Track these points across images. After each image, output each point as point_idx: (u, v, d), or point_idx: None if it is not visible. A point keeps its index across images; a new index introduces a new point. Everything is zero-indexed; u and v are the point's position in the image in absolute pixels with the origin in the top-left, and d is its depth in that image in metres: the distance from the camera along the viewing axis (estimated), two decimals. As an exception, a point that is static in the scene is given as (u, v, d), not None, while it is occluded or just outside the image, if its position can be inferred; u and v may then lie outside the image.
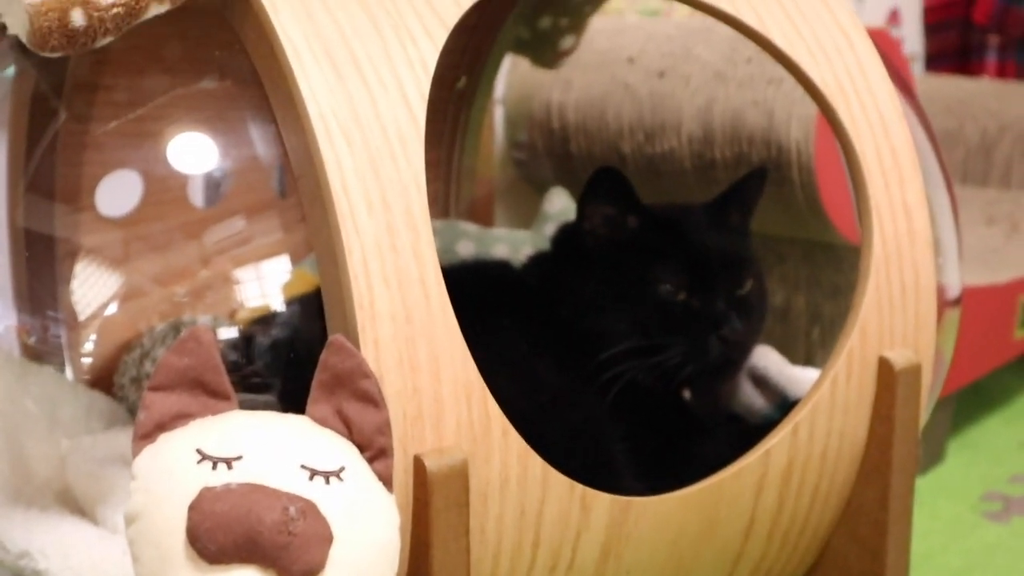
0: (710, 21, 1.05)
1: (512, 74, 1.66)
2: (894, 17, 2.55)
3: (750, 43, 1.03)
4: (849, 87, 1.02)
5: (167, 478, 0.73)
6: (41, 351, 1.15)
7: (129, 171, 1.21)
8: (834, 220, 1.44)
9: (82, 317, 1.17)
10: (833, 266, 1.53)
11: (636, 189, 1.12)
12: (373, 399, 0.76)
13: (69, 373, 1.18)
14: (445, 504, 0.79)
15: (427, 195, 0.82)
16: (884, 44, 1.08)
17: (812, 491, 1.01)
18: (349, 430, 0.76)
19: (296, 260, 1.13)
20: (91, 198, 1.19)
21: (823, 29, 1.03)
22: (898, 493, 1.02)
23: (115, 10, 0.78)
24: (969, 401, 1.96)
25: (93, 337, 1.18)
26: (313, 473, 0.73)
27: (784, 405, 1.18)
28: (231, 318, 1.14)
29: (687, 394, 1.15)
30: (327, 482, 0.73)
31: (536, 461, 0.85)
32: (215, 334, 0.78)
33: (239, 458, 0.72)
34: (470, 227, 1.45)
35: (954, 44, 2.79)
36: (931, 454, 1.76)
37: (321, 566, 0.70)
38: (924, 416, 1.07)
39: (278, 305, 1.11)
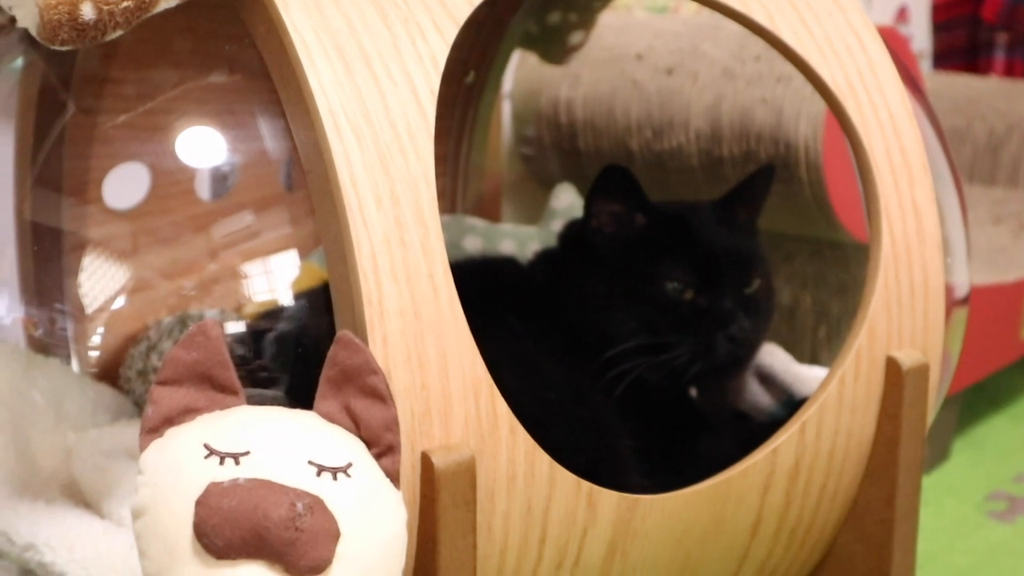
0: (718, 18, 1.05)
1: (520, 69, 1.66)
2: (902, 15, 2.55)
3: (758, 40, 1.03)
4: (859, 86, 1.02)
5: (174, 473, 0.72)
6: (47, 343, 1.15)
7: (137, 164, 1.21)
8: (842, 218, 1.44)
9: (89, 310, 1.17)
10: (840, 264, 1.53)
11: (643, 187, 1.11)
12: (381, 395, 0.76)
13: (75, 366, 1.18)
14: (452, 501, 0.79)
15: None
16: (893, 42, 1.08)
17: (819, 490, 1.01)
18: (357, 426, 0.76)
19: (304, 254, 1.13)
20: (98, 191, 1.19)
21: (834, 28, 1.02)
22: (904, 492, 1.02)
23: (125, 4, 0.78)
24: (975, 400, 1.96)
25: (100, 330, 1.18)
26: (320, 469, 0.73)
27: (790, 403, 1.18)
28: (238, 312, 1.14)
29: (694, 392, 1.15)
30: (334, 478, 0.73)
31: (543, 458, 0.85)
32: (223, 328, 0.78)
33: (246, 453, 0.72)
34: (477, 222, 1.45)
35: (962, 42, 2.79)
36: (936, 453, 1.76)
37: (328, 562, 0.70)
38: (931, 416, 1.06)
39: (286, 299, 1.11)
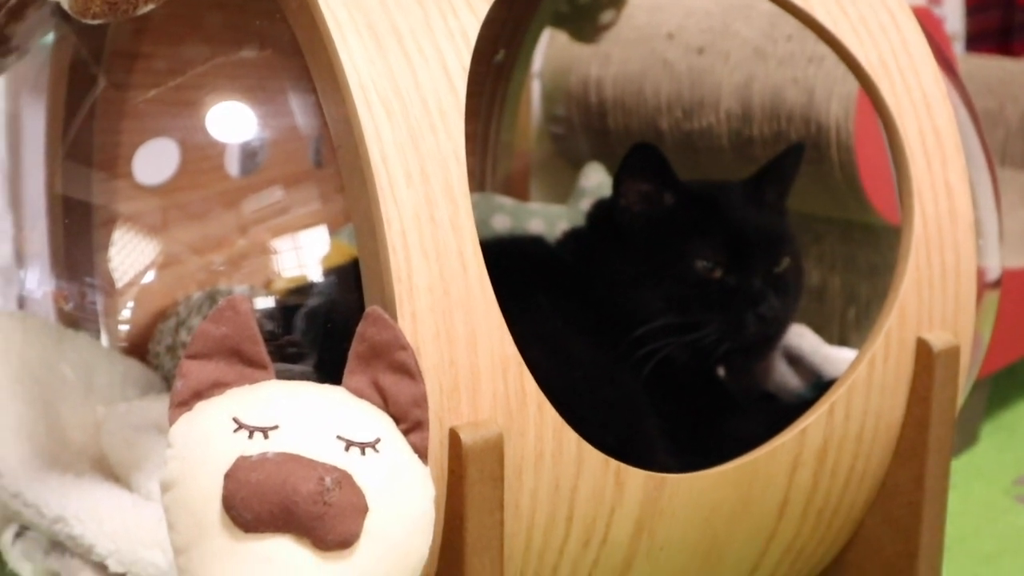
0: (751, -3, 1.05)
1: (550, 48, 1.66)
2: (935, -4, 2.53)
3: (790, 20, 1.02)
4: (893, 66, 1.01)
5: (203, 446, 0.73)
6: (77, 317, 1.16)
7: (166, 139, 1.21)
8: (872, 200, 1.43)
9: (119, 284, 1.18)
10: (870, 246, 1.52)
11: (673, 165, 1.11)
12: (410, 371, 0.76)
13: (104, 340, 1.19)
14: (480, 477, 0.79)
15: (465, 168, 0.81)
16: (926, 23, 1.07)
17: (847, 471, 1.00)
18: (385, 402, 0.76)
19: (333, 230, 1.13)
20: (128, 165, 1.20)
21: (868, 7, 1.02)
22: (933, 475, 1.01)
23: (157, -23, 0.78)
24: (1005, 384, 1.95)
25: (129, 305, 1.18)
26: (349, 444, 0.73)
27: (818, 385, 1.18)
28: (267, 288, 1.14)
29: (722, 372, 1.15)
30: (363, 453, 0.73)
31: (571, 436, 0.85)
32: (252, 303, 0.78)
33: (275, 428, 0.72)
34: (506, 201, 1.45)
35: (995, 24, 2.77)
36: (965, 437, 1.75)
37: (356, 537, 0.70)
38: (961, 398, 1.06)
39: (315, 275, 1.11)
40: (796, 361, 1.23)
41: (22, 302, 1.22)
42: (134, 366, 1.16)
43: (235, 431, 0.72)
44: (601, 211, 1.19)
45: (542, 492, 0.84)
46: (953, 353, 1.00)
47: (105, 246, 1.17)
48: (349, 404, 0.76)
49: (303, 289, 1.09)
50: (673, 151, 1.51)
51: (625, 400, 1.03)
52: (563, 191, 1.55)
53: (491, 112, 1.48)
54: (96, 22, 0.78)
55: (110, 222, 1.18)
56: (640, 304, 1.09)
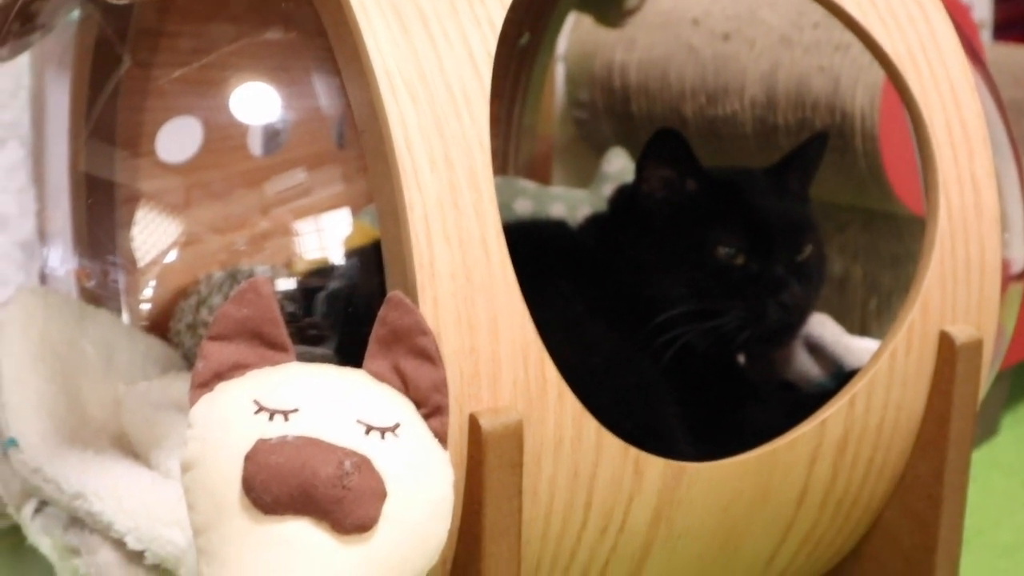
0: (778, -16, 1.04)
1: (575, 32, 1.65)
2: (963, -16, 2.51)
3: (817, 7, 1.02)
4: (921, 57, 1.00)
5: (223, 428, 0.73)
6: (99, 295, 1.16)
7: (190, 118, 1.22)
8: (896, 189, 1.43)
9: (140, 263, 1.18)
10: (893, 236, 1.51)
11: (696, 152, 1.11)
12: (430, 356, 0.76)
13: (126, 317, 1.19)
14: (499, 463, 0.79)
15: (489, 153, 0.81)
16: (954, 11, 1.06)
17: (867, 463, 1.00)
18: (406, 386, 0.76)
19: (355, 211, 1.13)
20: (151, 144, 1.20)
21: (896, -4, 1.01)
22: (954, 468, 1.01)
23: (184, -42, 0.78)
24: (1023, 376, 1.95)
25: (151, 283, 1.18)
26: (369, 428, 0.73)
27: (839, 375, 1.18)
28: (289, 268, 1.14)
29: (742, 359, 1.15)
30: (382, 437, 0.73)
31: (591, 423, 0.85)
32: (274, 285, 0.78)
33: (295, 410, 0.73)
34: (528, 184, 1.45)
35: None
36: (985, 428, 1.75)
37: (374, 521, 0.71)
38: (983, 391, 1.06)
39: (336, 257, 1.11)
40: (817, 350, 1.23)
41: (44, 278, 1.23)
42: (155, 344, 1.17)
43: (255, 413, 0.73)
44: (623, 196, 1.18)
45: (561, 479, 0.84)
46: (976, 347, 0.99)
47: (127, 224, 1.18)
48: (369, 388, 0.76)
49: (324, 271, 1.09)
50: (697, 138, 1.51)
51: (645, 387, 1.03)
52: (586, 175, 1.55)
53: (515, 95, 1.48)
54: (122, 2, 0.78)
55: (133, 200, 1.18)
56: (661, 290, 1.08)
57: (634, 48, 1.59)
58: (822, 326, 1.24)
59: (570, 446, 0.84)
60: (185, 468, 0.73)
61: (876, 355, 0.98)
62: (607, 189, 1.39)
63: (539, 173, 1.54)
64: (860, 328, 1.49)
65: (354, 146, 1.22)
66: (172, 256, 1.19)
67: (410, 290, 0.78)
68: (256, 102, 1.15)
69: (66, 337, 1.07)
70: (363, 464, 0.71)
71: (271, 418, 0.72)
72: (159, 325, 1.19)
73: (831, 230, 1.54)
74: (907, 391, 0.99)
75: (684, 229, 1.11)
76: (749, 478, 0.94)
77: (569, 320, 1.02)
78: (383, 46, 0.80)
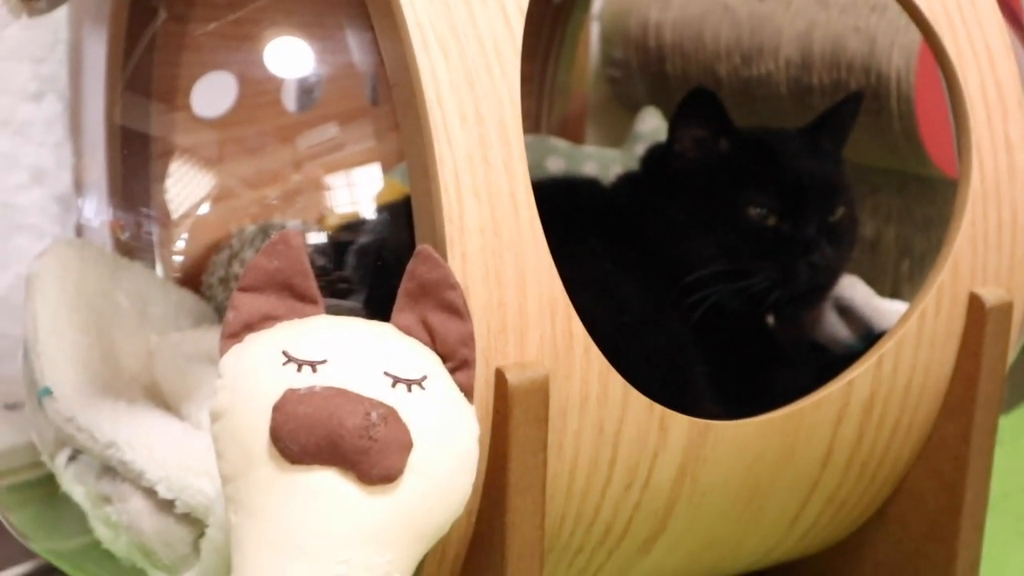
0: (815, -57, 1.03)
1: (610, -10, 1.65)
2: (1005, -55, 2.49)
3: (854, -32, 1.01)
4: (957, 17, 1.00)
5: (253, 378, 0.74)
6: (133, 247, 1.17)
7: (225, 73, 1.22)
8: (931, 152, 1.42)
9: (174, 216, 1.19)
10: (927, 199, 1.51)
11: (730, 112, 1.10)
12: (458, 310, 0.76)
13: (159, 270, 1.20)
14: (525, 418, 0.80)
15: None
16: (994, -27, 1.06)
17: (893, 424, 1.00)
18: (433, 340, 0.77)
19: (386, 168, 1.13)
20: (187, 98, 1.20)
21: (932, -45, 1.00)
22: (981, 430, 1.01)
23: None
24: (1058, 342, 1.94)
25: (184, 236, 1.19)
26: (396, 380, 0.73)
27: (869, 337, 1.17)
28: (320, 223, 1.15)
29: (771, 320, 1.15)
30: (409, 390, 0.73)
31: (617, 380, 0.85)
32: (304, 238, 0.78)
33: (324, 362, 0.73)
34: (560, 143, 1.45)
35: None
36: (1017, 394, 1.74)
37: (400, 472, 0.71)
38: (1012, 354, 1.05)
39: (367, 212, 1.12)
40: (847, 312, 1.23)
41: (80, 230, 1.24)
42: (187, 297, 1.17)
43: (284, 364, 0.73)
44: (655, 156, 1.18)
45: (586, 435, 0.85)
46: (1006, 309, 0.99)
47: (162, 177, 1.19)
48: (397, 341, 0.76)
49: (355, 225, 1.09)
50: (731, 98, 1.50)
51: (673, 346, 1.03)
52: (619, 135, 1.55)
53: (548, 53, 1.47)
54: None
55: (167, 154, 1.19)
56: (692, 250, 1.09)
57: (669, 7, 1.59)
58: (853, 288, 1.23)
59: (596, 402, 0.84)
60: (214, 417, 0.74)
61: (905, 316, 0.98)
62: (640, 149, 1.39)
63: (572, 132, 1.54)
64: (892, 291, 1.49)
65: (387, 103, 1.23)
66: (205, 209, 1.20)
67: (439, 244, 0.78)
68: (290, 57, 1.16)
69: (100, 289, 1.08)
70: (390, 415, 0.71)
71: (299, 369, 0.73)
72: (192, 278, 1.20)
73: (864, 192, 1.53)
74: (935, 352, 0.99)
75: (716, 189, 1.10)
76: (774, 437, 0.94)
77: (599, 278, 1.03)
78: (416, 0, 0.80)
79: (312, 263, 0.77)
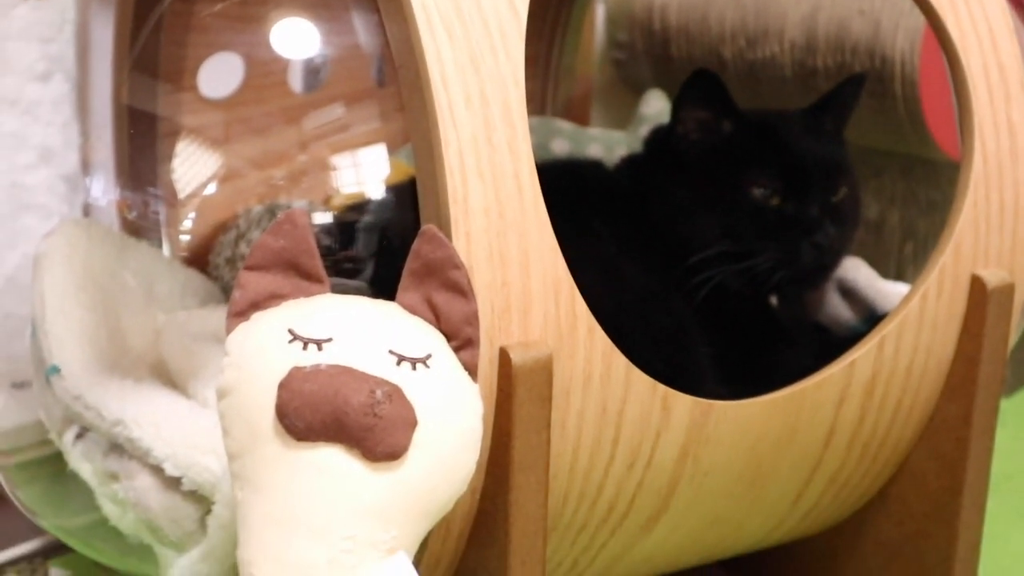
0: (820, -75, 1.04)
1: (616, -28, 1.65)
2: (1012, -72, 2.48)
3: (860, -50, 1.01)
4: (959, -1, 1.00)
5: (259, 356, 0.74)
6: (140, 227, 1.18)
7: (231, 54, 1.23)
8: (935, 135, 1.42)
9: (181, 196, 1.20)
10: (931, 182, 1.51)
11: (735, 95, 1.11)
12: (462, 290, 0.77)
13: (166, 249, 1.21)
14: (528, 396, 0.81)
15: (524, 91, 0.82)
16: (998, -46, 1.06)
17: (895, 405, 1.01)
18: (437, 319, 0.77)
19: (392, 149, 1.14)
20: (193, 79, 1.21)
21: (936, -62, 1.01)
22: (982, 411, 1.02)
23: None
24: (1062, 325, 1.94)
25: (191, 216, 1.20)
26: (400, 359, 0.74)
27: (871, 318, 1.18)
28: (326, 204, 1.15)
29: (775, 301, 1.16)
30: (414, 368, 0.74)
31: (620, 360, 0.86)
32: (310, 218, 0.79)
33: (329, 340, 0.74)
34: (565, 125, 1.45)
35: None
36: (1019, 376, 1.75)
37: (404, 449, 0.72)
38: (1014, 336, 1.06)
39: (373, 193, 1.12)
40: (850, 294, 1.23)
41: (87, 210, 1.24)
42: (194, 276, 1.18)
43: (290, 342, 0.74)
44: (659, 137, 1.19)
45: (589, 414, 0.86)
46: (1007, 290, 1.00)
47: (169, 157, 1.19)
48: (402, 320, 0.77)
49: (360, 206, 1.10)
50: (736, 80, 1.51)
51: (676, 326, 1.04)
52: (624, 117, 1.55)
53: (554, 35, 1.48)
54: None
55: (174, 134, 1.20)
56: (695, 231, 1.09)
57: (674, -11, 1.59)
58: (856, 270, 1.24)
59: (599, 382, 0.85)
60: (221, 395, 0.75)
61: (907, 298, 0.99)
62: (645, 131, 1.39)
63: (577, 114, 1.54)
64: (896, 273, 1.49)
65: (393, 84, 1.23)
66: (212, 190, 1.20)
67: (444, 224, 0.79)
68: (296, 38, 1.16)
69: (108, 268, 1.09)
70: (394, 393, 0.72)
71: (305, 347, 0.74)
72: (199, 258, 1.21)
73: (868, 175, 1.53)
74: (937, 334, 1.00)
75: (719, 170, 1.11)
76: (776, 417, 0.95)
77: (603, 258, 1.03)
78: (420, -18, 0.80)
79: (318, 243, 0.78)
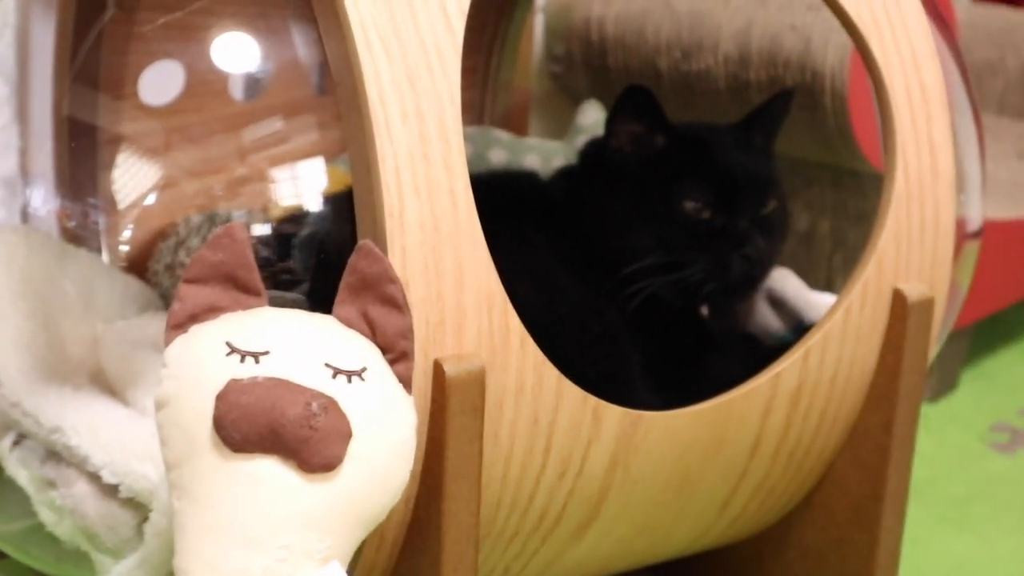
0: (752, -56, 1.06)
1: (554, -16, 1.67)
2: (944, -58, 2.52)
3: (791, -32, 1.04)
4: (884, 21, 1.03)
5: (197, 368, 0.75)
6: (79, 235, 1.18)
7: (172, 62, 1.23)
8: (863, 148, 1.45)
9: (121, 204, 1.20)
10: (859, 193, 1.54)
11: (669, 108, 1.13)
12: (397, 304, 0.78)
13: (105, 257, 1.21)
14: (461, 408, 0.82)
15: (462, 102, 0.83)
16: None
17: (819, 415, 1.03)
18: (373, 332, 0.79)
19: (330, 159, 1.15)
20: (134, 86, 1.21)
21: (862, -38, 1.03)
22: (903, 420, 1.04)
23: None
24: (986, 333, 1.98)
25: (130, 224, 1.20)
26: (336, 371, 0.75)
27: (799, 328, 1.20)
28: (264, 213, 1.16)
29: (705, 312, 1.18)
30: (349, 381, 0.75)
31: (551, 372, 0.87)
32: (249, 231, 0.80)
33: (266, 353, 0.75)
34: (503, 135, 1.47)
35: (1002, -28, 2.76)
36: (944, 383, 1.78)
37: (339, 460, 0.73)
38: (935, 348, 1.09)
39: (311, 203, 1.13)
40: (779, 304, 1.26)
41: (26, 216, 1.24)
42: (133, 284, 1.18)
43: (228, 355, 0.75)
44: (593, 150, 1.21)
45: (521, 424, 0.87)
46: (927, 304, 1.03)
47: (109, 165, 1.19)
48: (338, 333, 0.78)
49: (298, 217, 1.11)
50: (671, 92, 1.53)
51: (608, 337, 1.06)
52: (561, 127, 1.57)
53: (492, 46, 1.49)
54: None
55: (114, 142, 1.20)
56: (628, 243, 1.11)
57: (612, 2, 1.61)
58: (784, 281, 1.26)
59: (531, 393, 0.87)
60: (159, 406, 0.76)
61: (831, 311, 1.01)
62: (581, 141, 1.41)
63: (515, 124, 1.56)
64: (826, 283, 1.52)
65: (333, 94, 1.24)
66: (152, 198, 1.21)
67: (380, 239, 0.80)
68: (236, 48, 1.17)
69: (47, 275, 1.09)
70: (330, 406, 0.73)
71: (242, 360, 0.75)
72: (137, 265, 1.21)
73: (799, 186, 1.56)
74: (860, 346, 1.02)
75: (652, 183, 1.13)
76: (704, 427, 0.97)
77: (537, 270, 1.05)
78: (359, 1, 0.81)
79: (256, 255, 0.79)
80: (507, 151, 1.43)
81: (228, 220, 1.18)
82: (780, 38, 1.45)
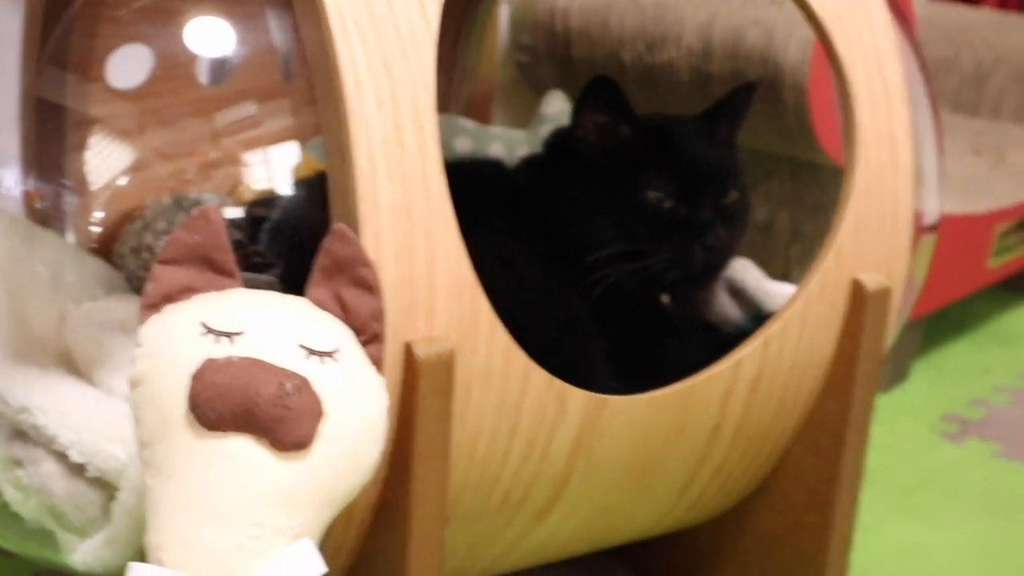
0: (717, -62, 1.07)
1: (520, -26, 1.68)
2: (901, -60, 2.55)
3: (754, -38, 1.05)
4: (847, 16, 1.04)
5: (172, 347, 0.76)
6: (46, 217, 1.18)
7: (140, 45, 1.23)
8: (822, 142, 1.47)
9: (90, 186, 1.20)
10: (818, 186, 1.56)
11: (633, 99, 1.14)
12: (370, 286, 0.80)
13: (72, 239, 1.21)
14: (431, 389, 0.84)
15: (433, 93, 0.84)
16: (885, -27, 1.10)
17: (777, 401, 1.05)
18: (345, 314, 0.80)
19: (301, 143, 1.15)
20: (102, 69, 1.21)
21: (826, -43, 1.05)
22: (858, 408, 1.06)
23: None
24: (939, 325, 2.01)
25: (99, 206, 1.20)
26: (309, 352, 0.76)
27: (758, 317, 1.22)
28: (233, 196, 1.17)
29: (666, 299, 1.19)
30: (322, 361, 0.76)
31: (519, 356, 0.89)
32: (224, 214, 0.81)
33: (240, 333, 0.76)
34: (468, 124, 1.47)
35: (958, -29, 2.80)
36: (897, 373, 1.81)
37: (311, 439, 0.75)
38: (891, 337, 1.11)
39: (281, 187, 1.14)
40: (738, 294, 1.27)
41: (-8, 197, 1.24)
42: (101, 266, 1.18)
43: (203, 335, 0.76)
44: (558, 140, 1.22)
45: (488, 407, 0.89)
46: (885, 294, 1.05)
47: (78, 147, 1.19)
48: (311, 315, 0.79)
49: (269, 200, 1.11)
50: (634, 84, 1.54)
51: (573, 323, 1.07)
52: (525, 117, 1.58)
53: (459, 35, 1.50)
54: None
55: (83, 124, 1.20)
56: (592, 231, 1.12)
57: (576, -7, 1.62)
58: (744, 271, 1.28)
59: (499, 377, 0.88)
60: (133, 384, 0.77)
61: (791, 300, 1.03)
62: (545, 130, 1.42)
63: (480, 113, 1.57)
64: (783, 274, 1.54)
65: (301, 78, 1.25)
66: (121, 181, 1.21)
67: (353, 223, 0.81)
68: (205, 32, 1.17)
69: (14, 256, 1.09)
70: (303, 385, 0.75)
71: (217, 340, 0.76)
72: (105, 248, 1.22)
73: (759, 177, 1.58)
74: (818, 334, 1.04)
75: (616, 173, 1.14)
76: (666, 412, 0.99)
77: (503, 257, 1.06)
78: (335, -12, 0.82)
79: (229, 237, 0.80)
80: (472, 139, 1.44)
81: (196, 203, 1.18)
82: (743, 32, 1.46)
